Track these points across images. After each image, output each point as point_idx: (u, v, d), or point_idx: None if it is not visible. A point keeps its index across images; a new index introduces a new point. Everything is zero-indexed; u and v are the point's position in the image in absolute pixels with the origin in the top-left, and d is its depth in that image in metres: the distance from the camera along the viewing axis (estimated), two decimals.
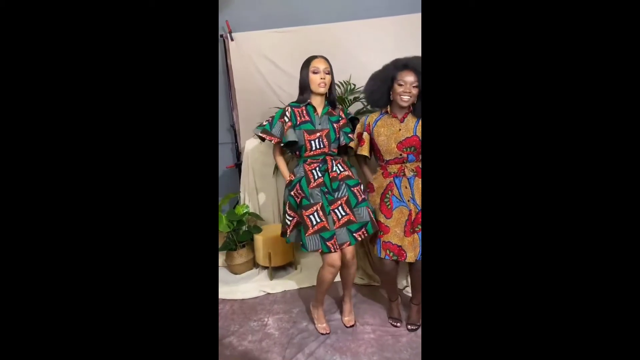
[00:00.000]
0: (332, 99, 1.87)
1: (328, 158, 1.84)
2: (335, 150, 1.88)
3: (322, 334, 1.88)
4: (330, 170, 1.81)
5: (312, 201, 1.76)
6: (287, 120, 1.84)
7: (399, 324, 1.93)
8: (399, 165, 1.83)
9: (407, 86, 1.71)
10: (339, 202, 1.78)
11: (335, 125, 1.85)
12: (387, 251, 1.77)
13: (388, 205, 1.82)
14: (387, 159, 1.84)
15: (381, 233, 1.79)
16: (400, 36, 2.53)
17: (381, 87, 1.81)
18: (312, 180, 1.79)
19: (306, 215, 1.74)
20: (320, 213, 1.74)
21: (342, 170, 1.84)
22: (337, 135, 1.85)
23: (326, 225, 1.73)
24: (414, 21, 2.44)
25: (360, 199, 1.80)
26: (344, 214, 1.76)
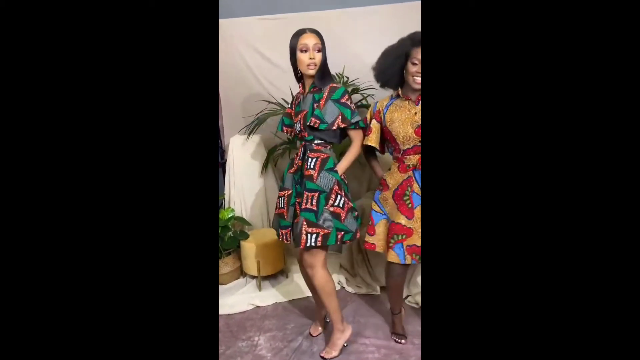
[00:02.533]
0: (322, 74, 1.55)
1: (305, 144, 1.60)
2: (306, 135, 1.58)
3: (311, 334, 1.86)
4: (304, 164, 1.58)
5: (284, 185, 1.69)
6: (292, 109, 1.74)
7: (403, 341, 1.76)
8: (418, 156, 1.61)
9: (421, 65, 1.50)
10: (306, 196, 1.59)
11: (315, 105, 1.54)
12: (413, 255, 1.59)
13: (409, 204, 1.61)
14: (405, 148, 1.61)
15: (403, 237, 1.60)
16: (399, 25, 2.30)
17: (394, 65, 1.59)
18: (293, 165, 1.67)
19: (278, 196, 1.73)
20: (285, 200, 1.67)
21: (311, 167, 1.56)
22: (311, 117, 1.54)
23: (284, 213, 1.66)
24: (414, 9, 2.28)
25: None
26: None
